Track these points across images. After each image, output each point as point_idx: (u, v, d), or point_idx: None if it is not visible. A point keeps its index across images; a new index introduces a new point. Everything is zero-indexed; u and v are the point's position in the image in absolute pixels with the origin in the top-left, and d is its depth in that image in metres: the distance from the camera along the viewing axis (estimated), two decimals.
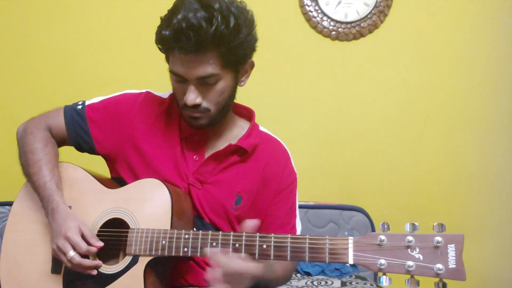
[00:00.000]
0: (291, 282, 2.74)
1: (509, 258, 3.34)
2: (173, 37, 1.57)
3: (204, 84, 1.65)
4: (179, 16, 1.55)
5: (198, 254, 1.56)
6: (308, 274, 2.98)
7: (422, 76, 3.35)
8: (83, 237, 1.65)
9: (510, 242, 3.34)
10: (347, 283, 2.80)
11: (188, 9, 1.56)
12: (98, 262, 1.67)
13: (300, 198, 1.93)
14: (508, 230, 3.33)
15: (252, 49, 1.72)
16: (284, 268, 1.80)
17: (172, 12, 1.60)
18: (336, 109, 3.37)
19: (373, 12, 3.30)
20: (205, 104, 1.68)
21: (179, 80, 1.68)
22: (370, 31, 3.32)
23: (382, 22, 3.31)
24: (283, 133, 1.95)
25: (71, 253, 1.63)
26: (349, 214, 3.12)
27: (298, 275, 2.97)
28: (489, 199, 3.35)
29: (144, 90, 1.92)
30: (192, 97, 1.65)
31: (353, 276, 2.93)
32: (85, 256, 1.65)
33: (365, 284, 2.79)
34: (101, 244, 1.67)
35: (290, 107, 3.37)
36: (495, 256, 3.35)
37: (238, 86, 1.78)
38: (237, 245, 1.53)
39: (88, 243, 1.65)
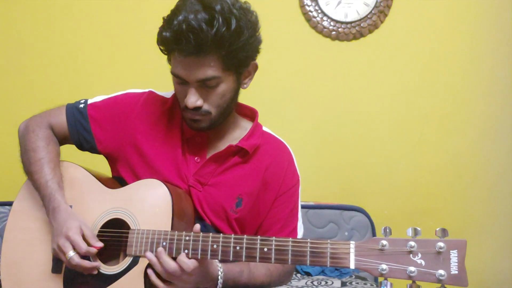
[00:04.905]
0: (291, 282, 2.75)
1: (510, 259, 3.35)
2: (173, 39, 1.56)
3: (205, 86, 1.64)
4: (180, 18, 1.54)
5: (199, 256, 1.56)
6: (308, 274, 2.99)
7: (422, 76, 3.35)
8: (83, 237, 1.65)
9: (511, 243, 3.35)
10: (347, 283, 2.80)
11: (189, 10, 1.55)
12: (97, 263, 1.66)
13: (301, 198, 1.92)
14: (509, 230, 3.34)
15: (255, 51, 1.70)
16: (269, 273, 1.80)
17: (174, 13, 1.59)
18: (336, 109, 3.38)
19: (373, 12, 3.30)
20: (206, 107, 1.67)
21: (180, 82, 1.67)
22: (370, 31, 3.32)
23: (382, 22, 3.32)
24: (283, 133, 1.94)
25: (71, 253, 1.63)
26: (349, 214, 3.13)
27: (298, 275, 2.97)
28: (490, 199, 3.36)
29: (147, 90, 1.91)
30: (193, 99, 1.64)
31: (353, 276, 2.94)
32: (85, 256, 1.65)
33: (365, 284, 2.80)
34: (101, 244, 1.66)
35: (290, 107, 3.38)
36: (496, 256, 3.36)
37: (240, 89, 1.76)
38: (238, 247, 1.52)
39: (89, 244, 1.65)
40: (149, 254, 1.59)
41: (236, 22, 1.56)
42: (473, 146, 3.35)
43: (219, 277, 1.65)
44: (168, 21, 1.60)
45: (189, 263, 1.55)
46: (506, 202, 3.34)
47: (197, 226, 1.61)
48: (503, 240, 3.35)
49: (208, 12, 1.54)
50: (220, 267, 1.66)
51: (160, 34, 1.63)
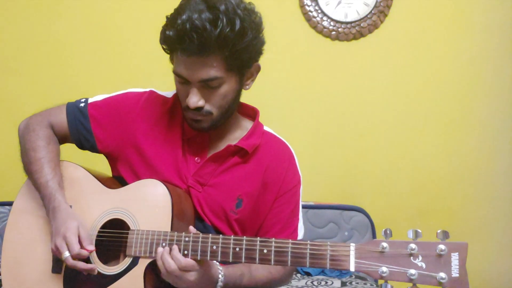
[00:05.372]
0: (291, 282, 2.75)
1: (510, 259, 3.34)
2: (177, 38, 1.55)
3: (207, 87, 1.63)
4: (184, 17, 1.53)
5: (198, 257, 1.56)
6: (308, 274, 2.99)
7: (422, 76, 3.36)
8: (79, 239, 1.65)
9: (511, 243, 3.35)
10: (347, 283, 2.81)
11: (193, 9, 1.54)
12: (92, 266, 1.66)
13: (301, 198, 1.91)
14: (509, 231, 3.33)
15: (258, 52, 1.70)
16: (271, 275, 1.80)
17: (177, 12, 1.58)
18: (336, 109, 3.38)
19: (373, 12, 3.30)
20: (207, 107, 1.66)
21: (182, 82, 1.66)
22: (370, 31, 3.33)
23: (382, 22, 3.32)
24: (283, 133, 1.94)
25: (66, 253, 1.63)
26: (349, 214, 3.13)
27: (298, 275, 2.98)
28: (490, 200, 3.36)
29: (147, 89, 1.90)
30: (195, 99, 1.63)
31: (353, 276, 2.94)
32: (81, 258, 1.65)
33: (365, 284, 2.80)
34: (92, 248, 1.66)
35: (290, 107, 3.38)
36: (496, 257, 3.36)
37: (242, 90, 1.76)
38: (237, 249, 1.52)
39: (82, 246, 1.64)
40: (160, 249, 1.59)
41: (240, 23, 1.55)
42: (474, 146, 3.35)
43: (219, 280, 1.64)
44: (171, 20, 1.59)
45: (182, 260, 1.55)
46: (507, 202, 3.34)
47: (191, 229, 1.61)
48: (504, 241, 3.36)
49: (213, 12, 1.53)
50: (221, 271, 1.65)
51: (163, 33, 1.62)
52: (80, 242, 1.64)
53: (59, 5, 3.40)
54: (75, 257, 1.63)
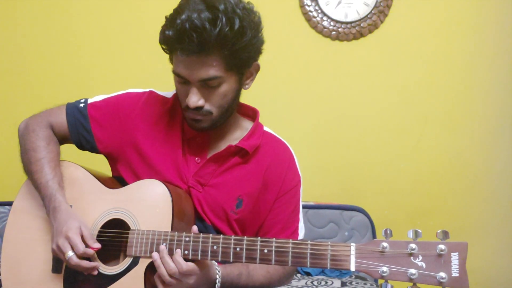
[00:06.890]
0: (291, 282, 2.75)
1: (510, 258, 3.35)
2: (176, 38, 1.56)
3: (207, 86, 1.63)
4: (183, 17, 1.53)
5: (199, 257, 1.56)
6: (308, 274, 2.99)
7: (422, 76, 3.35)
8: (82, 238, 1.65)
9: (511, 242, 3.34)
10: (347, 283, 2.80)
11: (193, 9, 1.54)
12: (96, 264, 1.66)
13: (301, 198, 1.91)
14: (509, 230, 3.33)
15: (258, 51, 1.69)
16: (269, 275, 1.80)
17: (177, 12, 1.58)
18: (336, 109, 3.38)
19: (373, 12, 3.30)
20: (207, 107, 1.66)
21: (182, 82, 1.66)
22: (370, 31, 3.32)
23: (382, 22, 3.32)
24: (283, 133, 1.94)
25: (70, 253, 1.63)
26: (349, 214, 3.12)
27: (298, 275, 2.98)
28: (489, 199, 3.36)
29: (147, 89, 1.90)
30: (194, 99, 1.63)
31: (353, 276, 2.94)
32: (84, 257, 1.65)
33: (365, 284, 2.80)
34: (98, 246, 1.66)
35: (290, 107, 3.37)
36: (496, 256, 3.36)
37: (242, 89, 1.76)
38: (238, 249, 1.52)
39: (87, 245, 1.65)
40: (155, 255, 1.59)
41: (239, 22, 1.55)
42: (474, 146, 3.35)
43: (217, 280, 1.65)
44: (171, 20, 1.59)
45: (183, 264, 1.55)
46: (507, 202, 3.34)
47: (195, 228, 1.61)
48: (504, 240, 3.36)
49: (212, 11, 1.53)
50: (219, 271, 1.66)
51: (162, 33, 1.62)
52: (84, 241, 1.64)
53: (58, 6, 3.39)
54: (81, 256, 1.63)
